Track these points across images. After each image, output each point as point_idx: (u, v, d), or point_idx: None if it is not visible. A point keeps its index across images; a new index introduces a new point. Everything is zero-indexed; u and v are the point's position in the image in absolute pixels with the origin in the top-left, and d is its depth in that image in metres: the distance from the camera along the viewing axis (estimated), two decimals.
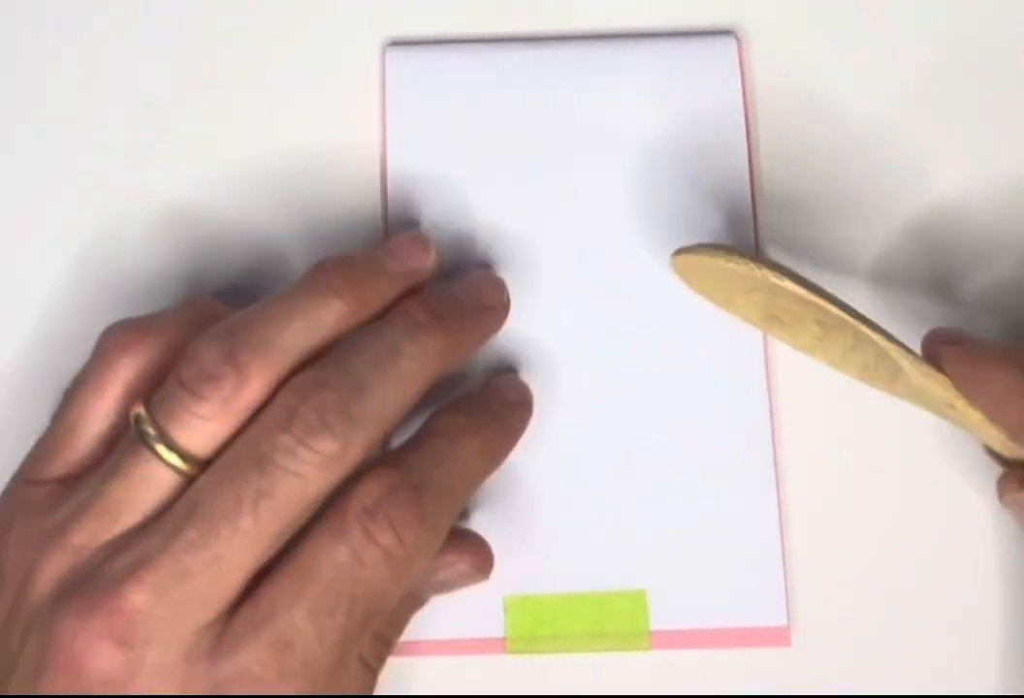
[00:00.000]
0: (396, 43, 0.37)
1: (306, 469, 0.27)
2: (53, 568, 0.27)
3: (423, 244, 0.32)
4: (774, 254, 0.35)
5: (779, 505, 0.34)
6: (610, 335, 0.35)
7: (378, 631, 0.30)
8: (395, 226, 0.35)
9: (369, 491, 0.28)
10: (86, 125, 0.36)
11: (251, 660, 0.27)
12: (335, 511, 0.28)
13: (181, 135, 0.36)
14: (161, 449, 0.28)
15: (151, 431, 0.28)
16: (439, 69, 0.36)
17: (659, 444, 0.34)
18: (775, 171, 0.36)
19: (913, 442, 0.34)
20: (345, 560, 0.27)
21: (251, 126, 0.37)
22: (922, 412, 0.32)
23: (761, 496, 0.34)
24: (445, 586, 0.32)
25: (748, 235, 0.35)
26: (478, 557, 0.32)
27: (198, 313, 0.31)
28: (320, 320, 0.29)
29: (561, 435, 0.34)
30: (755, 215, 0.35)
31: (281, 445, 0.27)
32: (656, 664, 0.33)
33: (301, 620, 0.27)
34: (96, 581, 0.27)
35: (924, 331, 0.32)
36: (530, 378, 0.34)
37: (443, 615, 0.33)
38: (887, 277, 0.35)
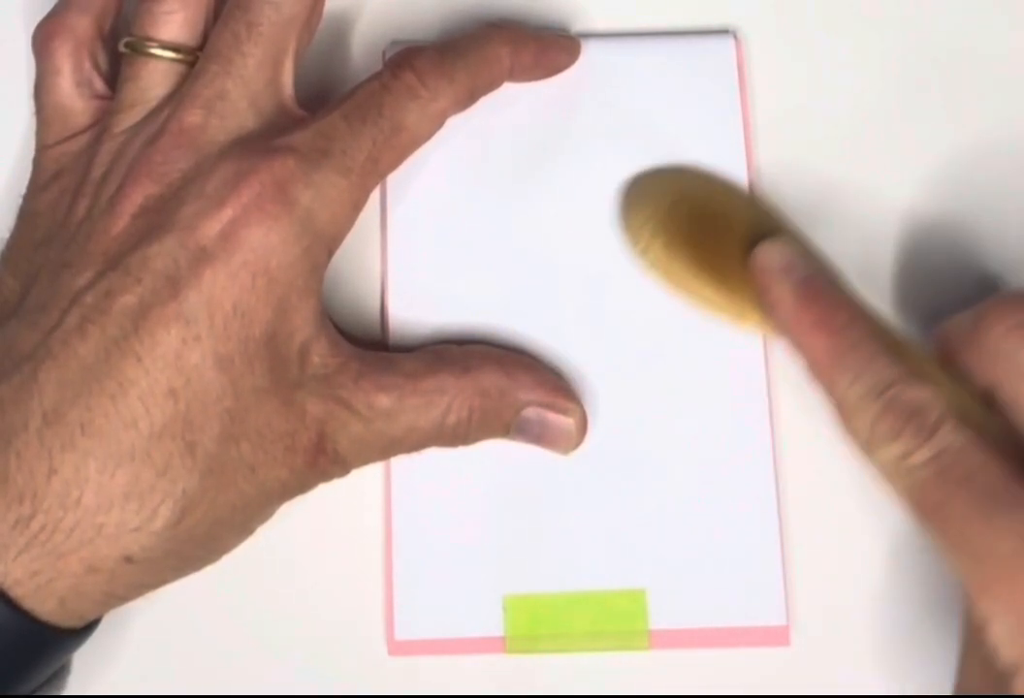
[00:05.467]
0: (397, 43, 0.37)
1: None
2: (104, 155, 0.32)
3: None
4: None
5: (779, 505, 0.34)
6: (609, 337, 0.35)
7: None
8: (394, 224, 0.35)
9: (402, 52, 0.33)
10: None
11: (297, 140, 0.31)
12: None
13: None
14: (154, 49, 0.32)
15: (140, 41, 0.33)
16: None
17: (659, 444, 0.34)
18: (774, 171, 0.36)
19: None
20: (375, 87, 0.32)
21: None
22: None
23: (761, 496, 0.34)
24: (541, 427, 0.33)
25: None
26: (582, 424, 0.33)
27: None
28: None
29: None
30: None
31: None
32: (656, 664, 0.33)
33: (337, 119, 0.31)
34: (151, 126, 0.32)
35: (928, 325, 0.32)
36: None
37: (443, 615, 0.33)
38: (887, 275, 0.36)
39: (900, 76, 0.37)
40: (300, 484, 0.31)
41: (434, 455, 0.33)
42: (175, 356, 0.29)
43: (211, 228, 0.30)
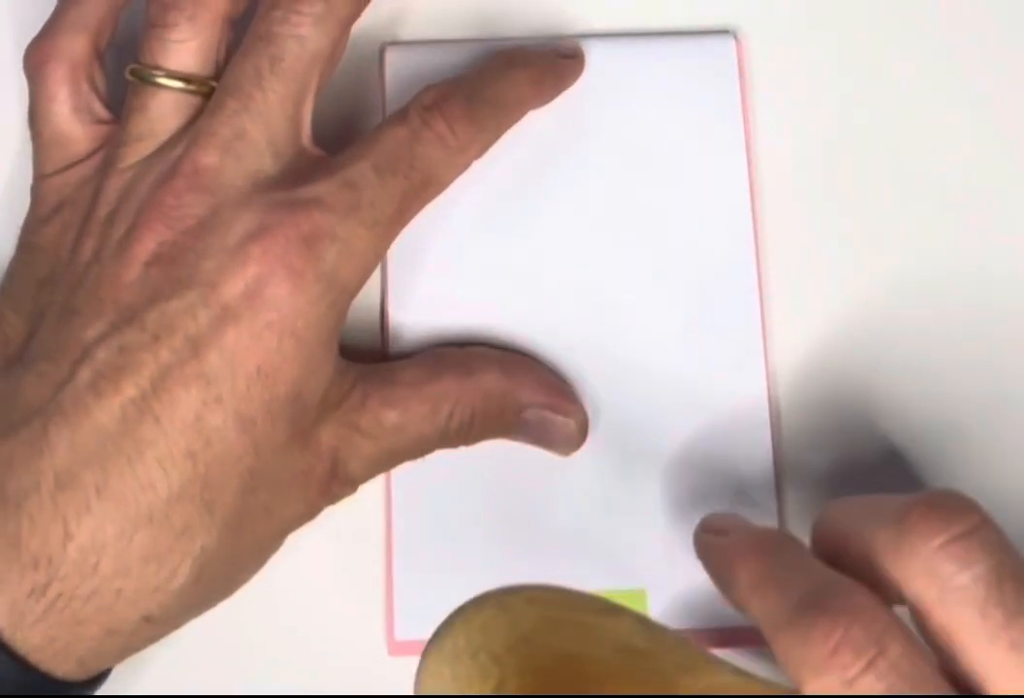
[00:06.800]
0: (395, 43, 0.37)
1: (302, 30, 0.30)
2: (111, 192, 0.31)
3: None
4: (774, 253, 0.35)
5: (779, 505, 0.34)
6: (609, 339, 0.35)
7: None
8: None
9: (428, 95, 0.31)
10: None
11: (324, 191, 0.29)
12: (398, 110, 0.31)
13: None
14: (162, 78, 0.31)
15: (146, 69, 0.31)
16: (438, 69, 0.36)
17: (659, 444, 0.34)
18: (774, 171, 0.36)
19: (917, 446, 0.34)
20: (404, 136, 0.31)
21: None
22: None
23: (761, 496, 0.34)
24: (543, 428, 0.33)
25: (747, 234, 0.35)
26: (584, 426, 0.33)
27: None
28: None
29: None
30: (754, 215, 0.35)
31: (275, 19, 0.30)
32: None
33: (367, 170, 0.30)
34: (163, 166, 0.30)
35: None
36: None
37: (443, 615, 0.33)
38: (887, 274, 0.36)
39: (900, 75, 0.37)
40: (312, 513, 0.31)
41: (434, 455, 0.33)
42: (195, 418, 0.28)
43: (234, 286, 0.28)
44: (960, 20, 0.37)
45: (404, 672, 0.33)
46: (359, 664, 0.33)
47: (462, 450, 0.33)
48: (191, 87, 0.31)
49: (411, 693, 0.33)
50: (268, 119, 0.30)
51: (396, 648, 0.33)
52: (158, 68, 0.31)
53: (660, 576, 0.33)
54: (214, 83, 0.31)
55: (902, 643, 0.24)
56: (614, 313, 0.35)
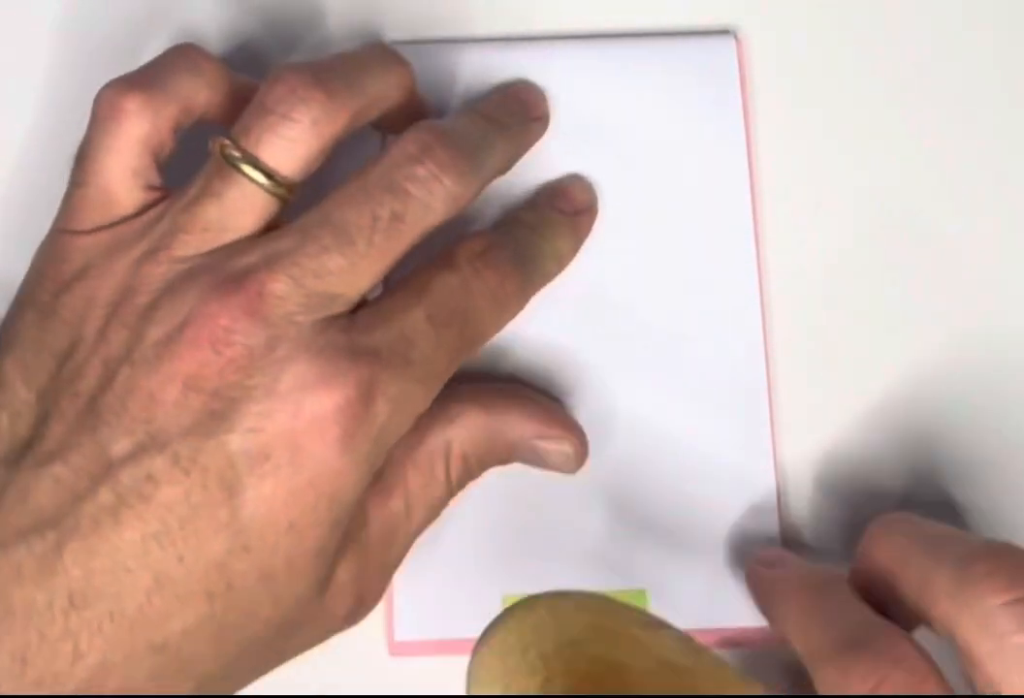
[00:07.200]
0: (395, 43, 0.37)
1: (433, 201, 0.29)
2: (155, 279, 0.28)
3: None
4: (774, 252, 0.35)
5: (779, 505, 0.34)
6: (608, 338, 0.35)
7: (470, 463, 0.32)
8: None
9: (478, 242, 0.30)
10: None
11: (381, 343, 0.28)
12: (443, 254, 0.30)
13: None
14: (249, 170, 0.28)
15: (237, 154, 0.28)
16: (438, 69, 0.36)
17: (660, 444, 0.34)
18: (774, 171, 0.36)
19: (915, 452, 0.34)
20: (457, 286, 0.29)
21: None
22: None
23: (762, 496, 0.34)
24: (538, 457, 0.32)
25: (747, 233, 0.35)
26: (581, 446, 0.33)
27: (189, 60, 0.31)
28: (396, 79, 0.31)
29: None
30: (755, 215, 0.35)
31: (415, 176, 0.29)
32: None
33: (421, 321, 0.29)
34: (225, 272, 0.27)
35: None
36: (530, 377, 0.34)
37: (443, 615, 0.33)
38: (886, 274, 0.36)
39: (900, 75, 0.37)
40: (329, 637, 0.31)
41: None
42: (219, 563, 0.27)
43: (280, 435, 0.27)
44: (962, 19, 0.37)
45: (404, 672, 0.33)
46: (359, 664, 0.33)
47: None
48: (276, 188, 0.28)
49: (411, 693, 0.33)
50: (358, 271, 0.28)
51: (396, 648, 0.33)
52: (251, 157, 0.28)
53: (660, 576, 0.33)
54: (294, 186, 0.29)
55: (938, 690, 0.25)
56: (615, 313, 0.35)
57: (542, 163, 0.35)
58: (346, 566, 0.29)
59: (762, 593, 0.31)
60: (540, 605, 0.26)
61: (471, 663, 0.26)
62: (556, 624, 0.26)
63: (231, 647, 0.28)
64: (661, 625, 0.26)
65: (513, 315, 0.31)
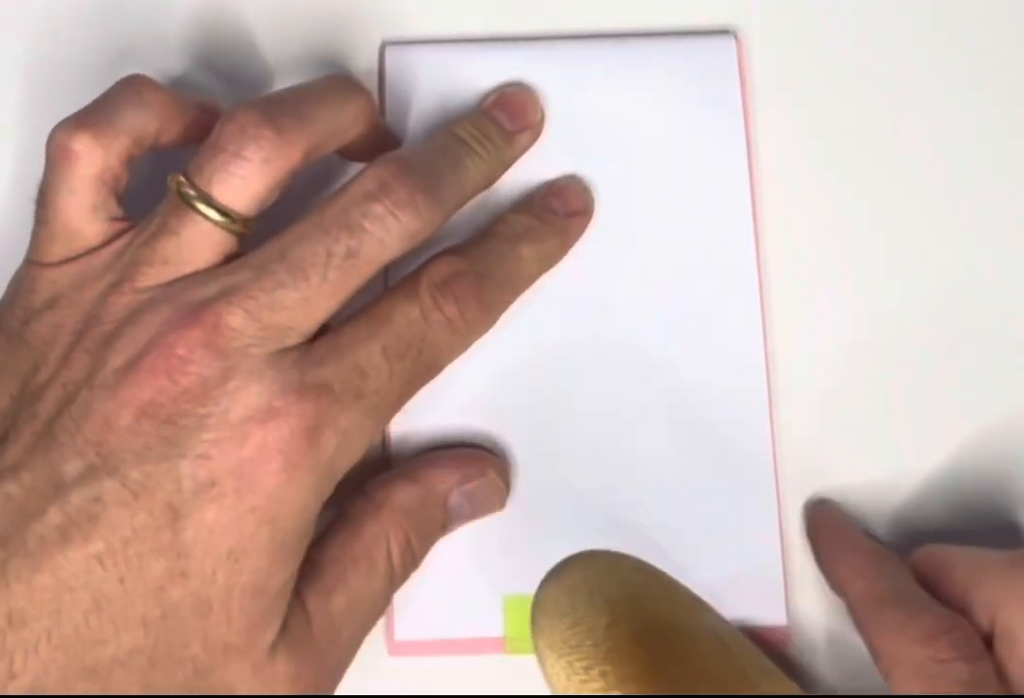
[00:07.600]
0: (395, 42, 0.37)
1: (390, 238, 0.29)
2: (119, 308, 0.29)
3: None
4: (775, 253, 0.35)
5: (779, 505, 0.34)
6: (601, 339, 0.35)
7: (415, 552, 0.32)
8: None
9: (440, 270, 0.31)
10: None
11: (333, 376, 0.28)
12: (407, 281, 0.31)
13: None
14: (204, 208, 0.29)
15: (192, 192, 0.29)
16: (438, 68, 0.36)
17: (658, 444, 0.34)
18: (774, 171, 0.36)
19: (915, 456, 0.34)
20: (416, 317, 0.30)
21: None
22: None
23: (761, 496, 0.34)
24: (470, 502, 0.32)
25: (747, 233, 0.35)
26: (503, 471, 0.33)
27: (135, 93, 0.31)
28: (354, 111, 0.31)
29: (562, 435, 0.34)
30: (755, 215, 0.35)
31: (371, 213, 0.29)
32: None
33: (376, 354, 0.29)
34: (184, 303, 0.28)
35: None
36: (530, 376, 0.34)
37: (442, 615, 0.33)
38: (889, 272, 0.36)
39: (900, 76, 0.37)
40: None
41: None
42: (157, 587, 0.27)
43: (227, 464, 0.27)
44: (962, 18, 0.37)
45: (404, 672, 0.33)
46: (359, 664, 0.33)
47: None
48: (231, 225, 0.29)
49: (411, 693, 0.33)
50: (312, 305, 0.28)
51: (396, 648, 0.33)
52: (205, 195, 0.29)
53: None
54: (248, 222, 0.29)
55: (991, 661, 0.28)
56: (614, 313, 0.35)
57: (541, 163, 0.35)
58: (286, 658, 0.29)
59: (828, 534, 0.33)
60: (602, 558, 0.28)
61: (537, 596, 0.28)
62: (618, 577, 0.28)
63: (157, 691, 0.27)
64: (705, 603, 0.29)
65: (475, 339, 0.32)
